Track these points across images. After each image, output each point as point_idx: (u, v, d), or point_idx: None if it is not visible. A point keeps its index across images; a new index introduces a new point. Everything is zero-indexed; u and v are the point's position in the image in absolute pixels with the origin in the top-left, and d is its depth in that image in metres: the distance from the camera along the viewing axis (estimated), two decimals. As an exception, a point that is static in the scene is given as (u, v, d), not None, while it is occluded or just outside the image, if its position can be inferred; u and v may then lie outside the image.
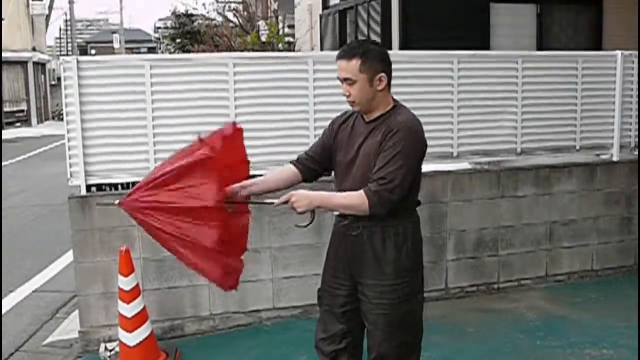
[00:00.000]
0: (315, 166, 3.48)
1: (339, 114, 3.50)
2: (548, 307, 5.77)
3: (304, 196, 3.14)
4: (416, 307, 3.34)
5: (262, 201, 3.43)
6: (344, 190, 3.22)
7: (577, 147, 6.31)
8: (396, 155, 3.06)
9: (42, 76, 37.60)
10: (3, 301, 6.50)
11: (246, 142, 3.52)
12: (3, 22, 26.14)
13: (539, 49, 10.89)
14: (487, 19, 10.84)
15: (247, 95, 5.33)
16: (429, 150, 5.80)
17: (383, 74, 3.18)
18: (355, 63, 3.13)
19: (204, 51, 18.11)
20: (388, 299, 3.23)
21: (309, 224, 3.24)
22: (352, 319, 3.39)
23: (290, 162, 3.54)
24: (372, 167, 3.12)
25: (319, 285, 3.56)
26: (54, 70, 39.45)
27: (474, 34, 10.53)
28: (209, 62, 5.35)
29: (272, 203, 3.24)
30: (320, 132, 3.59)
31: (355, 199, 3.10)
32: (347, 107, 3.35)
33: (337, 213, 3.35)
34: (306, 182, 3.51)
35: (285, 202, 3.15)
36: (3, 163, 15.28)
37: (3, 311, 6.24)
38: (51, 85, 39.32)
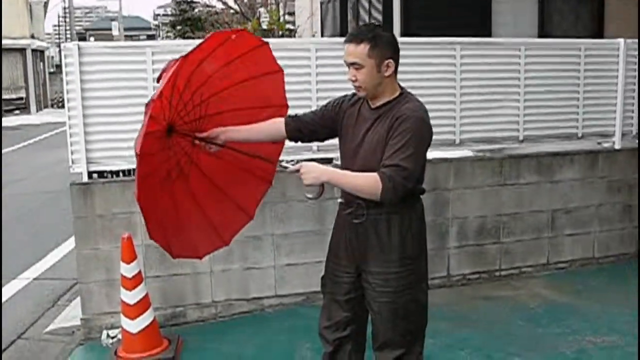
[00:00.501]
0: (303, 128, 3.45)
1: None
2: (550, 295, 5.77)
3: (313, 168, 3.11)
4: (421, 296, 3.32)
5: (279, 164, 3.47)
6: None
7: (580, 135, 6.30)
8: (407, 142, 3.02)
9: (41, 63, 37.56)
10: (4, 289, 6.49)
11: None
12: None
13: (540, 36, 10.85)
14: (489, 6, 10.79)
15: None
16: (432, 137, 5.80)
17: (391, 60, 3.15)
18: (364, 47, 3.09)
19: (203, 37, 18.02)
20: (392, 286, 3.22)
21: (316, 197, 3.23)
22: (356, 306, 3.39)
23: (287, 116, 3.55)
24: (378, 155, 3.09)
25: (321, 273, 3.55)
26: (52, 57, 39.44)
27: (475, 21, 10.49)
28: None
29: (286, 168, 3.25)
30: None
31: (369, 180, 3.02)
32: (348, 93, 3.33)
33: (340, 200, 3.34)
34: (290, 141, 3.55)
35: (297, 171, 3.13)
36: (3, 151, 15.24)
37: (4, 299, 6.24)
38: (50, 73, 39.30)
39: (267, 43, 3.55)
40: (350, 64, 3.16)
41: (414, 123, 3.06)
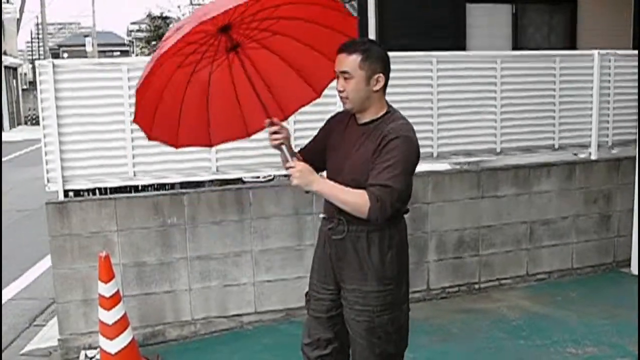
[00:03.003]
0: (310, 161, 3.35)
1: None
2: (529, 307, 5.78)
3: (307, 173, 3.07)
4: (400, 318, 3.27)
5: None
6: None
7: (556, 146, 6.34)
8: (396, 162, 2.98)
9: (14, 80, 37.23)
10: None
11: (238, 144, 3.49)
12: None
13: (515, 48, 10.94)
14: (464, 19, 10.87)
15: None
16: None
17: (381, 75, 3.12)
18: (356, 58, 3.07)
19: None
20: (371, 306, 3.16)
21: (307, 192, 3.17)
22: (337, 325, 3.35)
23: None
24: (364, 172, 3.05)
25: (301, 289, 3.53)
26: (25, 74, 39.05)
27: (450, 34, 10.56)
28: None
29: (287, 162, 3.17)
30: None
31: (358, 198, 3.00)
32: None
33: (322, 215, 3.31)
34: None
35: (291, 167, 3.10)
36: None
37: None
38: (23, 90, 38.94)
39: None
40: (340, 73, 3.12)
41: (402, 142, 3.03)
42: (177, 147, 3.63)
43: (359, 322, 3.19)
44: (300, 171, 3.06)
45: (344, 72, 3.10)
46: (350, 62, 3.08)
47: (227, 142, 3.92)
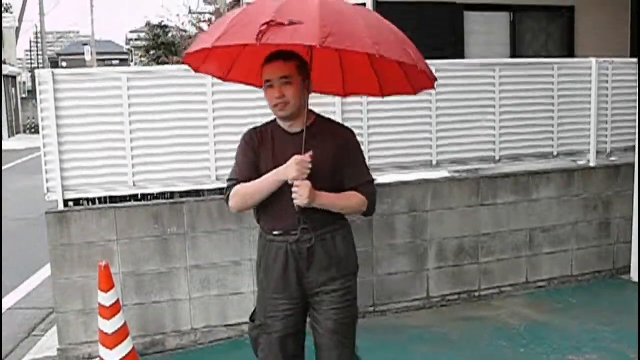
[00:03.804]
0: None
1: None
2: (530, 314, 5.78)
3: (309, 191, 3.07)
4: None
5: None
6: (288, 202, 3.12)
7: (555, 154, 6.35)
8: (363, 159, 3.36)
9: (13, 89, 37.26)
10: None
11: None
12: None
13: (513, 56, 10.97)
14: (462, 27, 10.90)
15: (223, 107, 5.29)
16: (409, 159, 5.85)
17: (309, 81, 3.21)
18: (294, 64, 3.14)
19: (178, 63, 18.00)
20: (350, 300, 3.32)
21: (298, 212, 3.17)
22: (304, 337, 3.42)
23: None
24: (331, 176, 3.20)
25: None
26: (24, 83, 39.08)
27: (448, 42, 10.59)
28: (186, 74, 5.28)
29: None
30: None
31: (355, 199, 3.26)
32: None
33: (276, 232, 3.26)
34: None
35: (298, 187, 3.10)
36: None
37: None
38: (22, 99, 38.96)
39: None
40: (279, 79, 3.13)
41: (357, 143, 3.37)
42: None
43: (341, 320, 3.30)
44: (304, 190, 3.07)
45: (284, 78, 3.14)
46: (289, 67, 3.14)
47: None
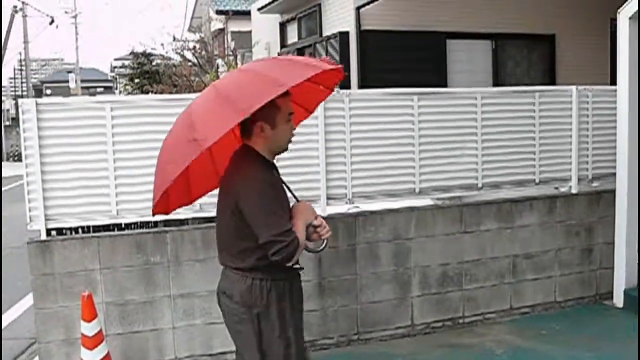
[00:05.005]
0: None
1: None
2: (514, 340, 5.78)
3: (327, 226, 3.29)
4: None
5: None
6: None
7: (537, 181, 6.40)
8: None
9: (-4, 117, 37.09)
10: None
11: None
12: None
13: (495, 83, 11.11)
14: (444, 54, 11.02)
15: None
16: (392, 187, 5.87)
17: None
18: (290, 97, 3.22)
19: (162, 91, 18.01)
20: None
21: (321, 249, 3.35)
22: None
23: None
24: None
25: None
26: (7, 110, 38.90)
27: (431, 69, 10.71)
28: (170, 104, 5.30)
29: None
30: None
31: None
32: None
33: (297, 265, 3.26)
34: None
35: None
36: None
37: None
38: (5, 126, 38.79)
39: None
40: (290, 114, 3.23)
41: None
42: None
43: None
44: (327, 227, 3.27)
45: (292, 113, 3.25)
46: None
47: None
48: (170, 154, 3.07)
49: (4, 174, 27.12)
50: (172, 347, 5.28)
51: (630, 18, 6.28)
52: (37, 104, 4.98)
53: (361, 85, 10.43)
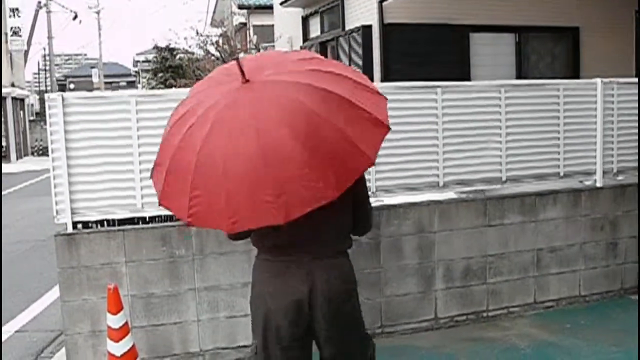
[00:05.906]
0: None
1: None
2: (538, 335, 5.76)
3: None
4: None
5: None
6: None
7: (561, 174, 6.35)
8: None
9: (21, 112, 37.48)
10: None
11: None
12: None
13: (518, 77, 11.04)
14: (467, 48, 10.97)
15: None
16: (415, 180, 5.85)
17: None
18: None
19: (186, 85, 18.10)
20: None
21: None
22: None
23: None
24: None
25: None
26: (32, 105, 39.28)
27: (454, 62, 10.66)
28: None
29: None
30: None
31: None
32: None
33: None
34: None
35: None
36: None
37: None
38: (30, 121, 39.19)
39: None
40: None
41: None
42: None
43: None
44: None
45: None
46: None
47: None
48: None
49: (28, 168, 27.44)
50: (197, 339, 5.32)
51: (656, 10, 6.21)
52: (63, 98, 5.02)
53: (384, 79, 10.41)
